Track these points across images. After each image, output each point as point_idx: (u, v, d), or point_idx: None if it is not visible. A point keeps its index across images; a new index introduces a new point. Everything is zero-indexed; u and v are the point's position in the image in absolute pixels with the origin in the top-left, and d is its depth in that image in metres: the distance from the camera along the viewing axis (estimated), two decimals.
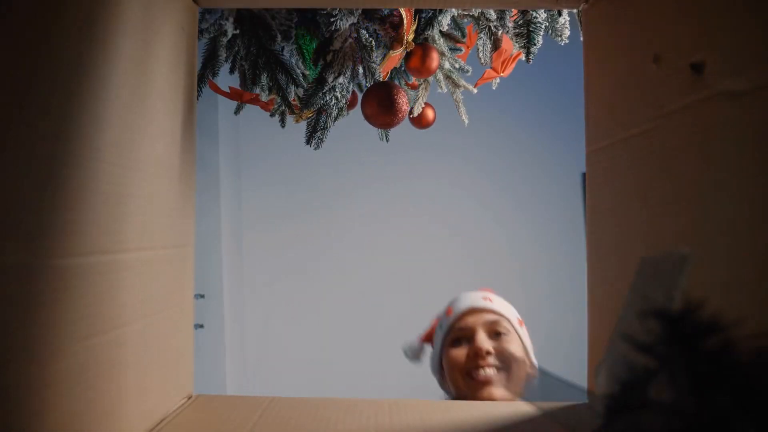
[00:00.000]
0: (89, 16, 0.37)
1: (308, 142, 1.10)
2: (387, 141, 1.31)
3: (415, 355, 1.11)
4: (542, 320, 3.12)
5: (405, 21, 0.87)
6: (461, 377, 0.90)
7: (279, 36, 0.92)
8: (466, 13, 0.98)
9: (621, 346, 0.23)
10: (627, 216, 0.49)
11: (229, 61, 1.01)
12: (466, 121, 1.21)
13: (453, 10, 0.92)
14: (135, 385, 0.44)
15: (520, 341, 0.95)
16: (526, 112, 3.24)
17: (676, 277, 0.27)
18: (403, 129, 1.09)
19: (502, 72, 1.06)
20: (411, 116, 1.21)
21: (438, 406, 0.58)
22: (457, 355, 0.92)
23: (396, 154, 2.99)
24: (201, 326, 2.58)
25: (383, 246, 3.16)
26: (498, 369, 0.89)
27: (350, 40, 0.91)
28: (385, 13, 0.90)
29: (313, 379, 3.03)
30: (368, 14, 0.90)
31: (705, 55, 0.37)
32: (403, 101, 0.94)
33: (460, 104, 1.16)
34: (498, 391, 0.87)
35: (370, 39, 0.92)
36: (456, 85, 1.11)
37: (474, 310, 0.95)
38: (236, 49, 0.98)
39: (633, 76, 0.48)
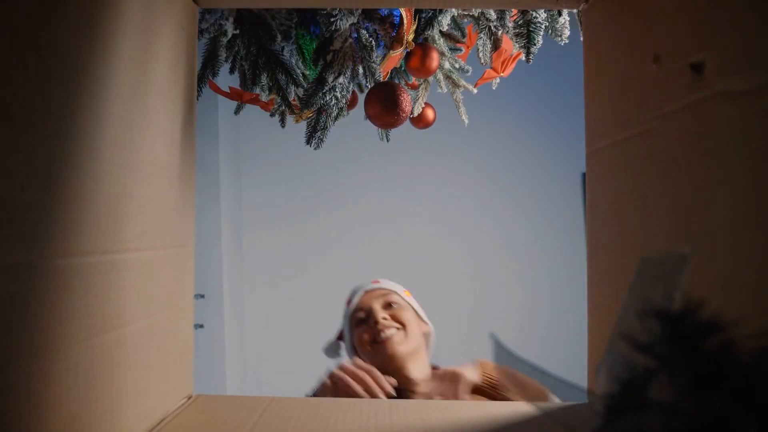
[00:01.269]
0: (89, 15, 0.37)
1: (308, 142, 1.10)
2: (387, 141, 1.31)
3: (333, 351, 1.25)
4: (542, 320, 3.13)
5: (405, 21, 0.87)
6: (370, 347, 1.04)
7: (279, 36, 0.92)
8: (466, 13, 0.98)
9: (621, 346, 0.23)
10: (627, 216, 0.49)
11: (229, 61, 1.01)
12: (466, 121, 1.21)
13: (453, 10, 0.92)
14: (135, 385, 0.44)
15: (411, 309, 1.12)
16: (526, 112, 3.24)
17: (675, 277, 0.27)
18: (403, 129, 1.09)
19: (502, 72, 1.06)
20: (411, 116, 1.21)
21: (438, 406, 0.58)
22: (362, 331, 1.07)
23: (396, 154, 2.99)
24: (201, 326, 2.58)
25: (383, 246, 3.16)
26: (396, 328, 1.04)
27: (350, 40, 0.91)
28: (385, 13, 0.90)
29: (313, 379, 3.03)
30: (368, 14, 0.90)
31: (705, 55, 0.37)
32: (406, 101, 0.94)
33: (460, 104, 1.16)
34: (401, 347, 1.01)
35: (370, 39, 0.92)
36: (456, 85, 1.11)
37: (366, 292, 1.13)
38: (236, 49, 0.98)
39: (633, 76, 0.48)
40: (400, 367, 1.00)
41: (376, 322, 1.05)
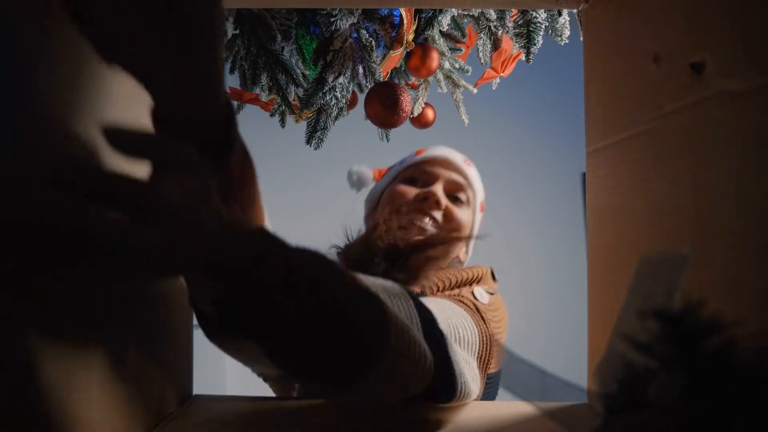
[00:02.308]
0: None
1: (308, 141, 1.10)
2: (387, 141, 1.31)
3: (359, 181, 1.06)
4: (542, 320, 3.13)
5: (405, 21, 0.87)
6: (396, 213, 0.77)
7: (279, 36, 0.92)
8: (466, 13, 0.98)
9: (621, 346, 0.23)
10: (627, 216, 0.49)
11: (229, 61, 1.01)
12: (466, 120, 1.21)
13: (453, 10, 0.92)
14: (135, 385, 0.44)
15: (472, 219, 0.85)
16: (526, 112, 3.24)
17: (675, 277, 0.27)
18: (403, 129, 1.09)
19: (502, 72, 1.06)
20: (411, 116, 1.21)
21: (438, 406, 0.58)
22: (406, 189, 0.81)
23: (396, 154, 2.99)
24: None
25: None
26: (437, 226, 0.78)
27: (350, 40, 0.91)
28: (385, 13, 0.90)
29: None
30: (368, 14, 0.90)
31: (705, 55, 0.37)
32: (406, 101, 0.94)
33: (460, 104, 1.16)
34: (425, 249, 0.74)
35: (370, 39, 0.92)
36: (456, 85, 1.11)
37: (447, 163, 0.83)
38: (236, 49, 0.98)
39: (633, 76, 0.48)
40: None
41: (426, 200, 0.78)
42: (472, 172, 0.87)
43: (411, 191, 0.80)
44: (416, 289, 0.70)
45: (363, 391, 0.35)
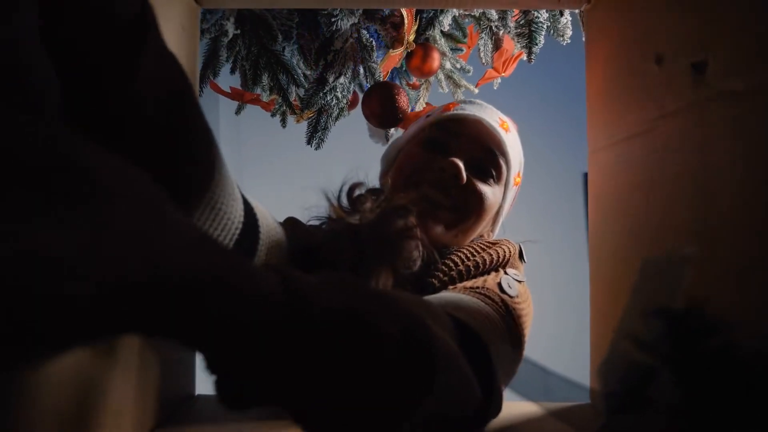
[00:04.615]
0: None
1: (309, 142, 1.10)
2: (388, 141, 1.31)
3: (381, 133, 0.91)
4: (545, 320, 3.12)
5: (406, 21, 0.87)
6: (406, 185, 0.65)
7: (280, 36, 0.92)
8: (467, 13, 0.98)
9: (623, 346, 0.23)
10: (629, 216, 0.49)
11: (230, 62, 1.01)
12: None
13: (454, 10, 0.92)
14: (137, 385, 0.44)
15: (501, 197, 0.70)
16: (528, 112, 3.23)
17: (678, 277, 0.27)
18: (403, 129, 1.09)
19: (504, 72, 1.06)
20: None
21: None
22: (422, 156, 0.66)
23: None
24: None
25: None
26: (452, 207, 0.64)
27: (351, 40, 0.91)
28: (386, 13, 0.91)
29: None
30: (369, 14, 0.90)
31: (707, 55, 0.37)
32: (403, 101, 0.94)
33: None
34: (437, 227, 0.63)
35: (371, 39, 0.93)
36: (457, 86, 1.11)
37: (479, 126, 0.66)
38: (237, 49, 0.98)
39: (635, 76, 0.48)
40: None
41: (444, 170, 0.63)
42: (510, 138, 0.69)
43: (427, 156, 0.65)
44: (435, 282, 0.59)
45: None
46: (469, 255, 0.61)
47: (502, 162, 0.67)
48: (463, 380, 0.34)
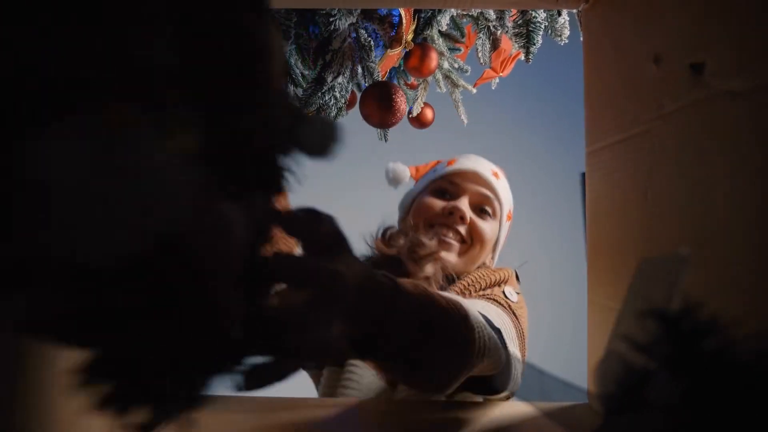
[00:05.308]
0: None
1: None
2: (386, 141, 1.31)
3: (395, 179, 1.05)
4: (542, 320, 3.13)
5: (404, 21, 0.87)
6: (424, 226, 0.82)
7: None
8: (465, 13, 0.98)
9: (620, 347, 0.23)
10: (626, 216, 0.49)
11: None
12: (465, 120, 1.21)
13: (452, 10, 0.92)
14: None
15: (498, 231, 0.89)
16: (526, 111, 3.24)
17: (675, 277, 0.27)
18: (402, 128, 1.09)
19: (501, 72, 1.06)
20: (410, 116, 1.21)
21: (437, 407, 0.58)
22: (434, 203, 0.84)
23: (395, 154, 2.99)
24: None
25: None
26: (461, 239, 0.83)
27: (349, 40, 0.91)
28: (384, 13, 0.90)
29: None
30: (367, 14, 0.90)
31: (705, 56, 0.37)
32: (401, 101, 0.94)
33: (459, 104, 1.16)
34: (449, 257, 0.81)
35: (369, 39, 0.92)
36: (455, 85, 1.11)
37: (475, 176, 0.86)
38: None
39: (633, 76, 0.48)
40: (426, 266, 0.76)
41: (452, 214, 0.82)
42: (500, 184, 0.89)
43: (438, 204, 0.84)
44: (455, 290, 0.78)
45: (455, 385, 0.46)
46: (479, 276, 0.81)
47: (495, 203, 0.87)
48: (494, 348, 0.50)
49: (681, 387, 0.21)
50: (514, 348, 0.64)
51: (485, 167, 0.89)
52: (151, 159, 0.17)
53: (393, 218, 0.89)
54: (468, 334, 0.45)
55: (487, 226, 0.85)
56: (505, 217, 0.90)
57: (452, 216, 0.82)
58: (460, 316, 0.45)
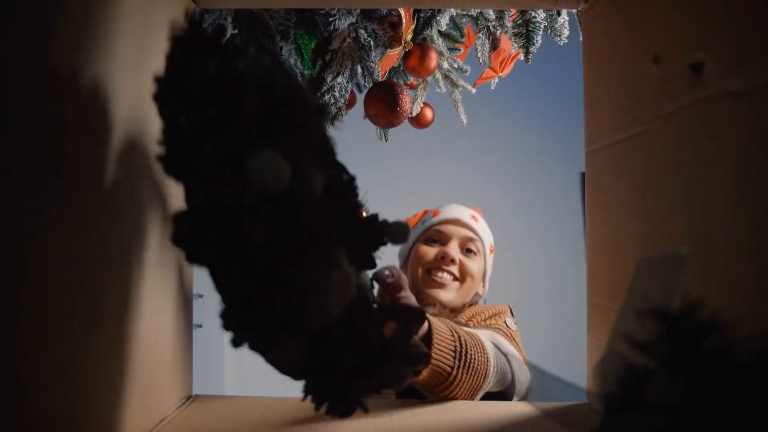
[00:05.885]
0: (88, 15, 0.37)
1: None
2: (386, 140, 1.31)
3: (400, 234, 1.15)
4: (541, 320, 3.13)
5: (404, 21, 0.87)
6: (422, 271, 1.01)
7: (278, 36, 0.92)
8: (464, 12, 0.98)
9: (620, 346, 0.23)
10: (626, 216, 0.49)
11: None
12: (465, 120, 1.21)
13: (452, 10, 0.92)
14: (134, 385, 0.44)
15: (484, 264, 1.06)
16: (525, 111, 3.24)
17: (675, 276, 0.27)
18: (401, 128, 1.09)
19: (501, 72, 1.06)
20: (410, 116, 1.21)
21: (437, 407, 0.58)
22: (427, 251, 1.02)
23: (394, 153, 2.99)
24: (200, 326, 2.57)
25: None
26: (454, 278, 1.00)
27: (349, 39, 0.90)
28: (384, 13, 0.90)
29: None
30: (367, 14, 0.90)
31: (705, 55, 0.37)
32: (406, 101, 0.94)
33: (459, 104, 1.16)
34: (447, 295, 0.98)
35: (369, 39, 0.92)
36: (455, 85, 1.11)
37: (458, 222, 1.04)
38: None
39: (632, 76, 0.48)
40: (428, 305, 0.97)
41: (444, 259, 0.99)
42: (479, 225, 1.06)
43: (432, 252, 1.01)
44: (462, 319, 0.94)
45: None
46: (482, 309, 0.98)
47: (478, 243, 1.04)
48: (502, 368, 0.65)
49: (681, 386, 0.21)
50: (518, 367, 0.74)
51: (465, 214, 1.06)
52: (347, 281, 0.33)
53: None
54: (485, 356, 0.60)
55: (474, 264, 1.02)
56: (488, 252, 1.07)
57: (444, 260, 0.99)
58: (480, 344, 0.60)
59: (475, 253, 1.03)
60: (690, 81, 0.38)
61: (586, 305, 0.57)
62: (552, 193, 3.23)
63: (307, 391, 0.36)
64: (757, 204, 0.32)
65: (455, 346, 0.57)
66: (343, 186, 0.40)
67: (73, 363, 0.36)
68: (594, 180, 0.56)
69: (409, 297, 0.44)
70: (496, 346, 0.69)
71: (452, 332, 0.58)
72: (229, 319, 0.31)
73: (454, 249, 1.01)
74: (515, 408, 0.58)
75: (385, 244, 0.38)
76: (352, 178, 0.41)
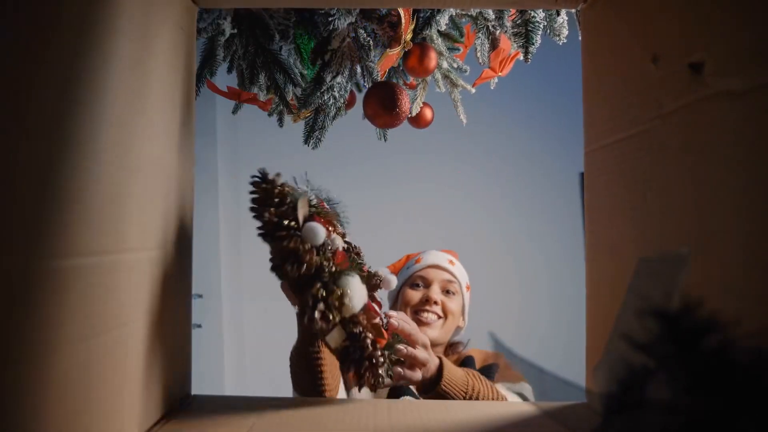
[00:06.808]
0: (87, 15, 0.37)
1: (306, 141, 1.09)
2: (385, 140, 1.31)
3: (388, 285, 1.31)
4: (541, 320, 3.13)
5: (403, 20, 0.87)
6: (409, 312, 1.16)
7: (277, 35, 0.92)
8: (464, 12, 0.98)
9: (620, 346, 0.23)
10: (626, 215, 0.49)
11: (227, 61, 1.00)
12: (465, 120, 1.21)
13: (451, 9, 0.92)
14: (134, 385, 0.44)
15: (462, 302, 1.21)
16: (525, 111, 3.24)
17: (674, 276, 0.27)
18: (401, 128, 1.09)
19: (500, 71, 1.06)
20: (409, 116, 1.20)
21: (437, 407, 0.58)
22: (413, 295, 1.18)
23: (394, 153, 2.99)
24: (199, 326, 2.57)
25: (381, 245, 3.16)
26: (438, 317, 1.14)
27: (348, 39, 0.90)
28: (384, 12, 0.90)
29: None
30: (366, 14, 0.90)
31: (704, 55, 0.37)
32: (405, 101, 0.94)
33: (458, 104, 1.16)
34: (432, 332, 1.12)
35: (368, 38, 0.92)
36: (454, 85, 1.11)
37: (438, 267, 1.21)
38: (234, 48, 0.97)
39: (632, 76, 0.48)
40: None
41: (428, 301, 1.15)
42: (456, 268, 1.23)
43: (417, 295, 1.17)
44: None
45: None
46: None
47: (456, 284, 1.20)
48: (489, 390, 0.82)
49: (680, 386, 0.21)
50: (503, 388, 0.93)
51: (443, 259, 1.22)
52: None
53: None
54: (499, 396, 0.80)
55: (453, 303, 1.17)
56: (464, 290, 1.23)
57: (428, 302, 1.15)
58: (494, 390, 0.80)
59: (453, 294, 1.19)
60: (689, 81, 0.38)
61: (586, 305, 0.57)
62: (551, 193, 3.23)
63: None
64: (757, 204, 0.32)
65: (466, 389, 0.75)
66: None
67: (74, 364, 0.36)
68: (593, 180, 0.56)
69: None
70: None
71: (466, 374, 0.76)
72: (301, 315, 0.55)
73: (436, 292, 1.16)
74: (515, 408, 0.58)
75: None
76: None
